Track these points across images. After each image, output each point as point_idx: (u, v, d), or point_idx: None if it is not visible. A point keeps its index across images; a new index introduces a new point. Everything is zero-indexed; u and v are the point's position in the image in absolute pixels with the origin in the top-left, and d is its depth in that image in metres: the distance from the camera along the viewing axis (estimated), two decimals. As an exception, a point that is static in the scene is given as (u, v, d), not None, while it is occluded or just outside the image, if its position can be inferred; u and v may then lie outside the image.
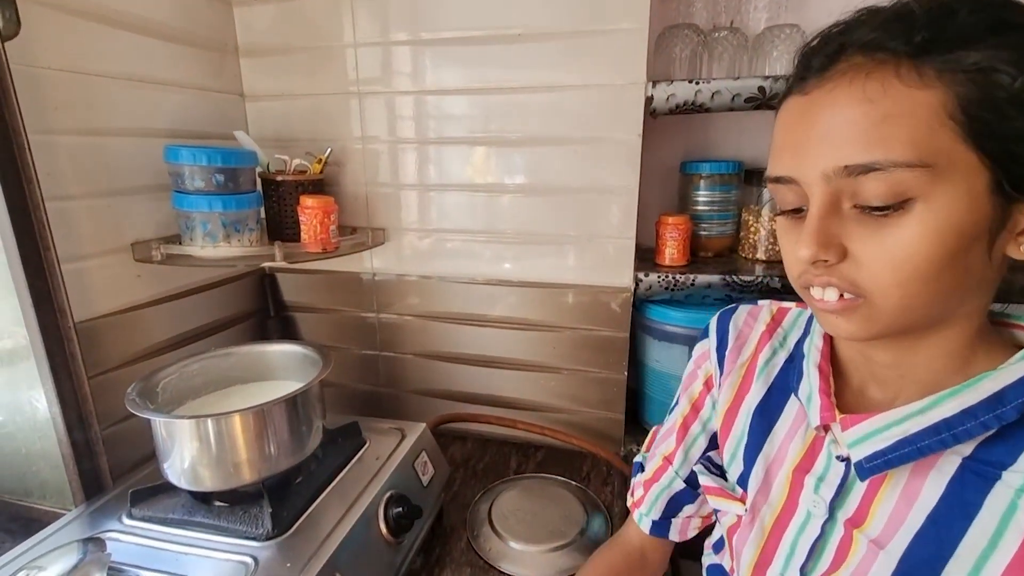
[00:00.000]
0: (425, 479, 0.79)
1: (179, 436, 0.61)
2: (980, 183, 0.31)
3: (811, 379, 0.43)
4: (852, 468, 0.39)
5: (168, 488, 0.65)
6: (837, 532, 0.41)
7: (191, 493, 0.65)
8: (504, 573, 0.74)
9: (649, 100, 0.85)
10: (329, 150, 0.95)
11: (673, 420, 0.60)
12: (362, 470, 0.74)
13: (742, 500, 0.49)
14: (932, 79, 0.30)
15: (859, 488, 0.40)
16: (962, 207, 0.31)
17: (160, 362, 0.72)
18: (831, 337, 0.45)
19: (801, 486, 0.43)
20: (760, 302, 0.55)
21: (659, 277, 0.91)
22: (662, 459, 0.60)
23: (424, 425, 0.84)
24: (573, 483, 0.92)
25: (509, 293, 0.99)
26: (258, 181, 0.91)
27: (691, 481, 0.57)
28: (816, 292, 0.37)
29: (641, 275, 0.92)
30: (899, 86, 0.30)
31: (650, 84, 0.84)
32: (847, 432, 0.39)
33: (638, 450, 1.00)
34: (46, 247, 0.64)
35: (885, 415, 0.38)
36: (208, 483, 0.63)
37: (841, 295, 0.36)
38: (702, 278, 0.90)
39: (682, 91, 0.83)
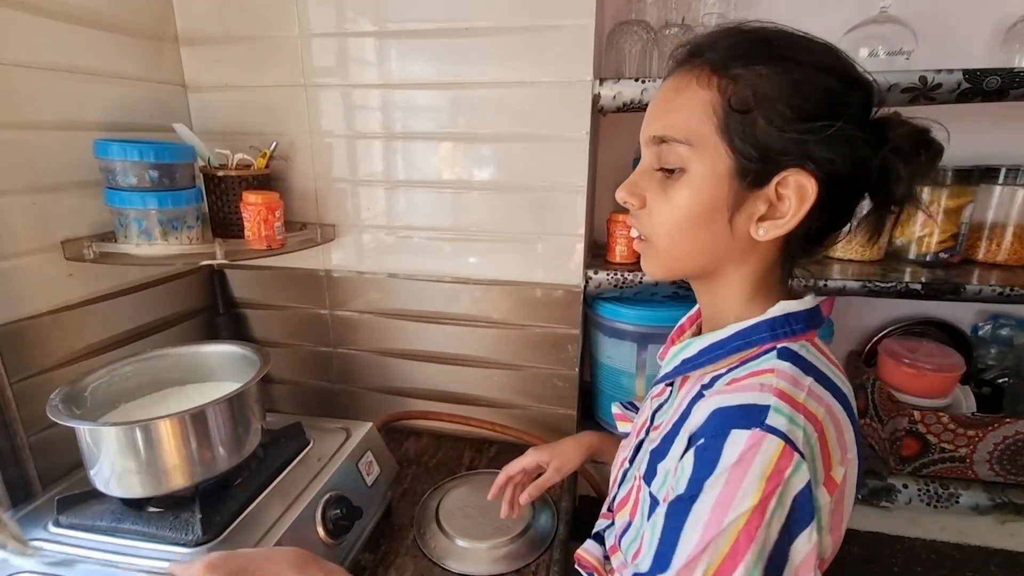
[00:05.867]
0: (369, 479, 0.78)
1: (104, 444, 0.60)
2: (723, 166, 0.41)
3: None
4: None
5: (97, 495, 0.64)
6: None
7: (122, 499, 0.64)
8: (448, 570, 0.75)
9: (596, 98, 0.84)
10: (274, 144, 0.93)
11: None
12: (303, 471, 0.73)
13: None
14: (713, 84, 0.41)
15: (673, 402, 0.52)
16: (708, 181, 0.42)
17: (95, 364, 0.70)
18: None
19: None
20: None
21: (608, 275, 0.91)
22: None
23: (371, 424, 0.84)
24: (523, 478, 0.93)
25: (463, 291, 0.99)
26: (199, 176, 0.89)
27: None
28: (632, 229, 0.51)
29: (591, 272, 0.92)
30: (694, 85, 0.42)
31: (597, 82, 0.83)
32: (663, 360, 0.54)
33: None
34: (-41, 248, 0.62)
35: (673, 347, 0.52)
36: (137, 489, 0.62)
37: (639, 237, 0.50)
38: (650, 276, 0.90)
39: (629, 90, 0.83)
